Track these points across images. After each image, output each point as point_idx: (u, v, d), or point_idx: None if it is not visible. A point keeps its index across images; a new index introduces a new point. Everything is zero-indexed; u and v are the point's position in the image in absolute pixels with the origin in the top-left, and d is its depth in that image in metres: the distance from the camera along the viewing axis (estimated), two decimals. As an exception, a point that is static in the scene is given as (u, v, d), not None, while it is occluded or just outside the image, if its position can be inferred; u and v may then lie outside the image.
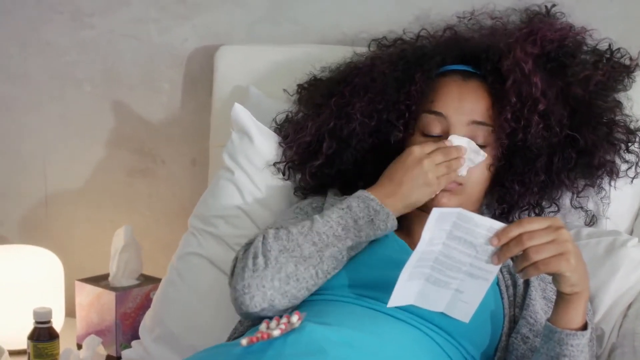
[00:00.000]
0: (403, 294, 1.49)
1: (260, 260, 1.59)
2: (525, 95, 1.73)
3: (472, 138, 1.70)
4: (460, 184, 1.70)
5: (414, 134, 1.75)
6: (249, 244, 1.65)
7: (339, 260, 1.62)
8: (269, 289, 1.58)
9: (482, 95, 1.74)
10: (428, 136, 1.73)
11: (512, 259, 1.47)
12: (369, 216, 1.63)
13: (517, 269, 1.44)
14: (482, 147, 1.71)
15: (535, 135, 1.74)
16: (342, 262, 1.62)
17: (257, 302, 1.58)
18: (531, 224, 1.43)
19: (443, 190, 1.69)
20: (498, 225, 1.43)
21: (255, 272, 1.59)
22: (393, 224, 1.65)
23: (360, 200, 1.64)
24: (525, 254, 1.42)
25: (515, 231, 1.42)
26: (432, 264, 1.46)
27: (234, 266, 1.64)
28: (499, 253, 1.43)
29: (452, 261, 1.45)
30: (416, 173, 1.64)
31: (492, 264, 1.44)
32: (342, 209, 1.64)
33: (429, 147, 1.66)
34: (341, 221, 1.62)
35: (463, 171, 1.67)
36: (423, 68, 1.78)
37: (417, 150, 1.66)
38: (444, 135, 1.71)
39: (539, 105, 1.73)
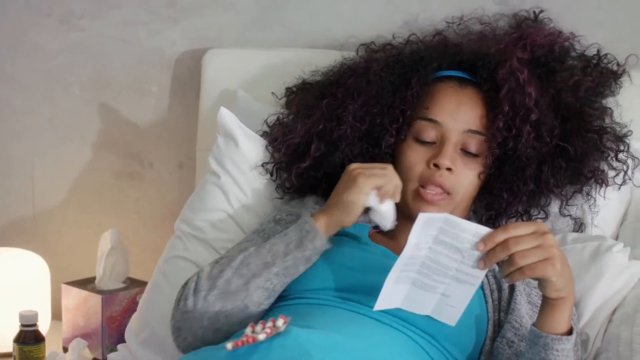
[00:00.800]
0: (389, 297, 1.49)
1: (190, 301, 1.61)
2: (519, 105, 1.73)
3: (465, 146, 1.71)
4: (449, 194, 1.70)
5: (407, 139, 1.75)
6: (187, 282, 1.67)
7: (270, 290, 1.60)
8: (199, 328, 1.60)
9: (477, 103, 1.75)
10: (421, 142, 1.73)
11: (497, 264, 1.48)
12: (300, 238, 1.61)
13: (502, 274, 1.44)
14: (474, 155, 1.72)
15: (526, 144, 1.74)
16: (276, 290, 1.61)
17: (189, 343, 1.62)
18: (517, 229, 1.43)
19: (429, 204, 1.69)
20: (484, 230, 1.43)
21: (185, 314, 1.61)
22: (321, 242, 1.61)
23: (298, 223, 1.64)
24: (511, 259, 1.42)
25: (501, 236, 1.42)
26: (419, 268, 1.46)
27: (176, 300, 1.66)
28: (485, 258, 1.43)
29: (439, 265, 1.45)
30: (345, 178, 1.63)
31: (478, 269, 1.44)
32: (281, 235, 1.63)
33: (372, 167, 1.65)
34: (273, 247, 1.62)
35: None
36: (419, 73, 1.78)
37: (352, 166, 1.64)
38: (438, 142, 1.71)
39: (531, 115, 1.73)
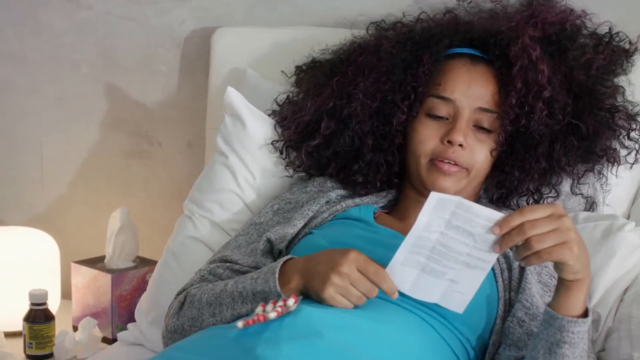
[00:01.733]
0: (396, 277, 1.47)
1: (170, 322, 1.68)
2: (531, 82, 1.72)
3: (478, 122, 1.71)
4: (465, 169, 1.70)
5: (418, 116, 1.75)
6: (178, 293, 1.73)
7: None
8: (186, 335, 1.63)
9: (490, 80, 1.74)
10: (434, 117, 1.73)
11: (510, 247, 1.45)
12: (262, 293, 1.54)
13: (518, 257, 1.41)
14: (487, 132, 1.72)
15: (539, 121, 1.73)
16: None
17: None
18: (533, 213, 1.39)
19: (445, 175, 1.69)
20: (498, 215, 1.40)
21: (168, 332, 1.69)
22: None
23: (265, 273, 1.56)
24: (527, 242, 1.39)
25: (517, 220, 1.39)
26: (429, 253, 1.44)
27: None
28: (500, 242, 1.40)
29: (449, 251, 1.43)
30: (336, 258, 1.49)
31: (489, 253, 1.41)
32: (253, 278, 1.58)
33: (370, 264, 1.48)
34: (236, 290, 1.58)
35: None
36: (431, 50, 1.77)
37: (353, 255, 1.49)
38: (451, 118, 1.71)
39: (544, 92, 1.73)
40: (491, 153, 1.74)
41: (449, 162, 1.70)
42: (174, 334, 1.66)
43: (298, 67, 2.00)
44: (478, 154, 1.72)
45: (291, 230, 1.74)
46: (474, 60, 1.76)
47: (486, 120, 1.72)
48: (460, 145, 1.69)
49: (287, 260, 1.57)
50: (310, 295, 1.50)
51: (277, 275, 1.53)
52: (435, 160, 1.71)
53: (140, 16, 2.40)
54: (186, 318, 1.64)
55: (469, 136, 1.71)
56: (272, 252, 1.75)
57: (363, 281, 1.47)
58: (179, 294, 1.73)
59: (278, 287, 1.52)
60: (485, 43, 1.78)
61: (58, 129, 2.53)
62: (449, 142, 1.70)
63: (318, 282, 1.49)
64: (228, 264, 1.73)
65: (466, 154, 1.70)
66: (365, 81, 1.79)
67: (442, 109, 1.73)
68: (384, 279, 1.47)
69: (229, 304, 1.58)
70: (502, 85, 1.74)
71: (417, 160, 1.73)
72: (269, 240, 1.73)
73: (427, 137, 1.73)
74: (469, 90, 1.72)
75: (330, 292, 1.47)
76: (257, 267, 1.70)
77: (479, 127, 1.73)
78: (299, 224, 1.75)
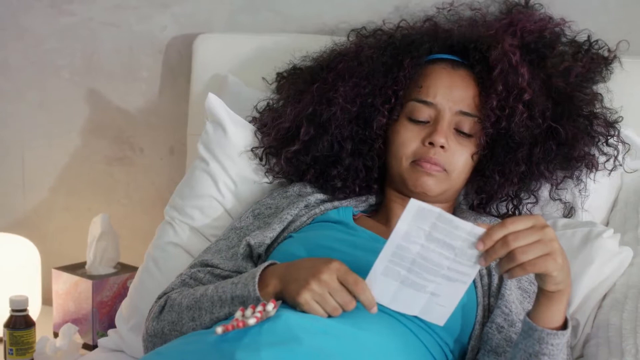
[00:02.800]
0: (376, 287, 1.46)
1: (150, 326, 1.69)
2: (512, 85, 1.74)
3: (458, 126, 1.73)
4: (445, 171, 1.71)
5: (399, 119, 1.76)
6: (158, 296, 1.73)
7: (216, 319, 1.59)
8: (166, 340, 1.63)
9: (470, 84, 1.76)
10: (415, 121, 1.74)
11: None
12: (241, 297, 1.54)
13: (502, 269, 1.40)
14: (467, 136, 1.73)
15: (519, 124, 1.75)
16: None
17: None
18: (515, 225, 1.38)
19: (428, 175, 1.70)
20: (479, 230, 1.38)
21: (148, 336, 1.69)
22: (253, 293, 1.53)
23: (246, 277, 1.56)
24: (511, 255, 1.37)
25: (499, 233, 1.37)
26: (410, 265, 1.43)
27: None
28: (485, 255, 1.39)
29: (430, 264, 1.42)
30: (318, 266, 1.48)
31: (470, 267, 1.40)
32: (234, 283, 1.57)
33: (350, 274, 1.47)
34: (216, 294, 1.58)
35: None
36: (412, 54, 1.78)
37: (335, 264, 1.48)
38: (432, 121, 1.73)
39: (524, 95, 1.74)
40: (472, 157, 1.75)
41: (431, 163, 1.71)
42: (154, 337, 1.66)
43: (279, 74, 2.01)
44: (459, 157, 1.73)
45: (270, 234, 1.74)
46: (454, 65, 1.77)
47: (467, 125, 1.73)
48: (442, 147, 1.70)
49: (268, 266, 1.57)
50: (286, 300, 1.50)
51: (257, 279, 1.53)
52: (417, 161, 1.72)
53: (123, 22, 2.40)
54: (166, 322, 1.64)
55: (450, 138, 1.72)
56: (252, 256, 1.75)
57: (341, 292, 1.46)
58: (159, 297, 1.73)
59: (257, 291, 1.51)
60: (465, 49, 1.79)
61: (40, 134, 2.52)
62: (431, 143, 1.71)
63: (296, 286, 1.48)
64: (209, 268, 1.73)
65: (447, 156, 1.71)
66: (345, 85, 1.79)
67: (424, 113, 1.74)
68: (363, 291, 1.46)
69: (207, 308, 1.58)
70: (482, 89, 1.75)
71: (399, 162, 1.74)
72: (248, 245, 1.73)
73: (408, 140, 1.74)
74: (450, 93, 1.73)
75: (306, 297, 1.46)
76: (238, 271, 1.71)
77: (459, 132, 1.74)
78: (278, 228, 1.76)
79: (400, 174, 1.75)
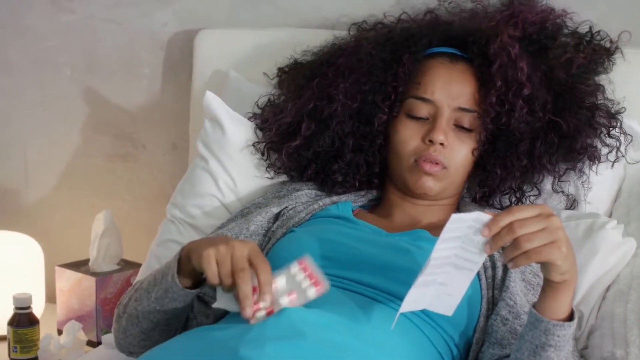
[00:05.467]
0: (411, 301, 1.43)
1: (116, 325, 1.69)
2: (511, 80, 1.73)
3: (458, 122, 1.72)
4: (445, 168, 1.71)
5: (399, 116, 1.76)
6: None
7: (154, 322, 1.59)
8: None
9: (469, 78, 1.75)
10: (414, 118, 1.74)
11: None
12: (163, 272, 1.56)
13: (506, 258, 1.39)
14: (467, 131, 1.73)
15: (519, 119, 1.74)
16: (160, 321, 1.60)
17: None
18: (521, 212, 1.37)
19: (427, 174, 1.69)
20: (485, 216, 1.37)
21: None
22: (173, 284, 1.52)
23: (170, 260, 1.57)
24: (516, 242, 1.37)
25: (505, 219, 1.36)
26: (429, 270, 1.40)
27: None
28: (491, 242, 1.38)
29: (440, 260, 1.40)
30: (226, 240, 1.47)
31: (477, 254, 1.39)
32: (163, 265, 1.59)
33: (261, 255, 1.46)
34: (152, 277, 1.60)
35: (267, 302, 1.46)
36: (410, 49, 1.78)
37: (254, 245, 1.47)
38: (431, 118, 1.72)
39: (524, 90, 1.73)
40: (472, 152, 1.75)
41: (431, 162, 1.70)
42: (123, 313, 1.66)
43: (280, 69, 2.00)
44: (459, 152, 1.73)
45: (252, 227, 1.74)
46: (453, 59, 1.77)
47: (466, 120, 1.73)
48: (442, 144, 1.70)
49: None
50: (193, 262, 1.48)
51: (179, 257, 1.53)
52: (418, 160, 1.72)
53: (123, 19, 2.40)
54: (130, 300, 1.65)
55: (450, 135, 1.72)
56: None
57: (242, 260, 1.43)
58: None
59: (175, 267, 1.51)
60: (464, 41, 1.79)
61: (41, 132, 2.52)
62: (430, 141, 1.70)
63: (206, 243, 1.47)
64: None
65: (447, 153, 1.71)
66: (345, 82, 1.79)
67: (423, 110, 1.73)
68: (265, 271, 1.43)
69: (146, 287, 1.59)
70: (481, 84, 1.75)
71: (400, 161, 1.74)
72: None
73: (408, 138, 1.73)
74: (449, 89, 1.73)
75: (209, 252, 1.43)
76: None
77: (459, 127, 1.73)
78: (261, 219, 1.75)
79: (400, 173, 1.75)
